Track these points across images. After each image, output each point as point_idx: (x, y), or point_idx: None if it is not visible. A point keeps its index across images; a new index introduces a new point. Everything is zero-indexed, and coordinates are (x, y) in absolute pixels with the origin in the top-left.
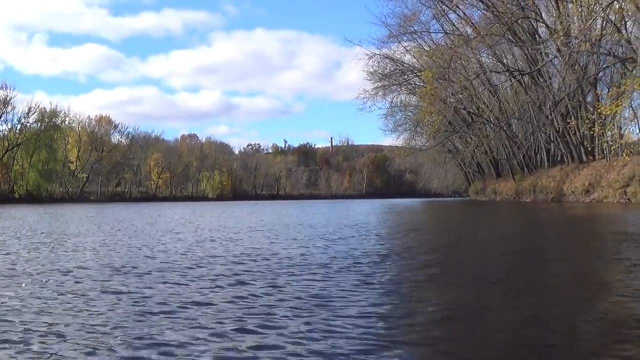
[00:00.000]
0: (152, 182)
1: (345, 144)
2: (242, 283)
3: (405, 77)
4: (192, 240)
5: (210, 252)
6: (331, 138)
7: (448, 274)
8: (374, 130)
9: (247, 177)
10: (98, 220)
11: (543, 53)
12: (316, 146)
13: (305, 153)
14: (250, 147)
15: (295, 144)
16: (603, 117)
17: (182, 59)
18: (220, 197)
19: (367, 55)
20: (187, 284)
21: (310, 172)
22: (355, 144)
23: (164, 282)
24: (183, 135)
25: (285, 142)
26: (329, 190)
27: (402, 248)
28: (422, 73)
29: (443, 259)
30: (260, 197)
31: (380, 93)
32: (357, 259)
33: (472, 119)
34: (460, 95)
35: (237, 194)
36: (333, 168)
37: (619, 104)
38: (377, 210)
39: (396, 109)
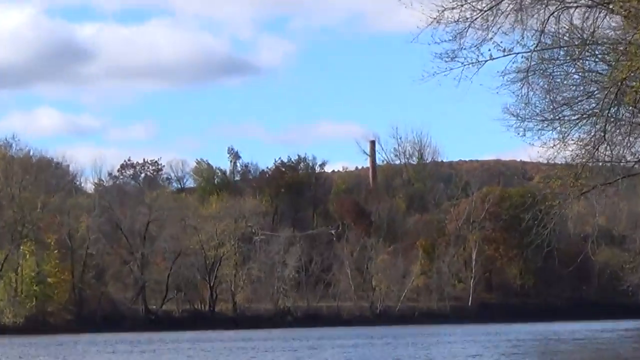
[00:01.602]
0: None
1: (409, 158)
2: None
3: None
4: None
5: None
6: (371, 144)
7: None
8: (484, 120)
9: (118, 264)
10: None
11: None
12: (326, 168)
13: (295, 188)
14: (132, 172)
15: (266, 164)
16: None
17: None
18: (36, 326)
19: None
20: None
21: (309, 246)
22: (437, 160)
23: None
24: None
25: (236, 156)
26: (366, 299)
27: None
28: None
29: None
30: (158, 324)
31: (500, 11)
32: None
33: None
34: None
35: (90, 316)
36: (376, 232)
37: None
38: None
39: (556, 56)
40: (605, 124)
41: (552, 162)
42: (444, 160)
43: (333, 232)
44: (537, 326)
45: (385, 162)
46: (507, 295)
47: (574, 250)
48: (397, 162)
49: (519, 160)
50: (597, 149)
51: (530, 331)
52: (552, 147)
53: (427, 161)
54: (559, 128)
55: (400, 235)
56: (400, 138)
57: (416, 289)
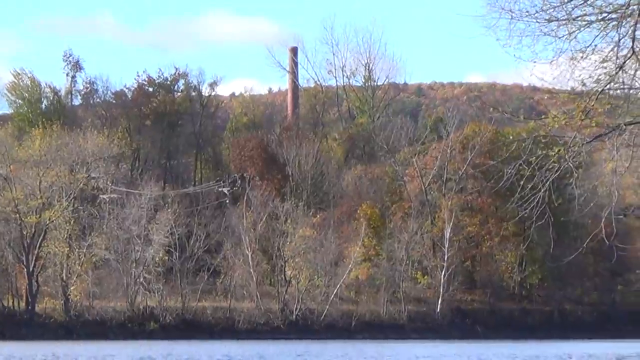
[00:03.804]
0: None
1: (351, 77)
2: None
3: None
4: None
5: None
6: (291, 53)
7: None
8: (467, 20)
9: None
10: None
11: None
12: (219, 90)
13: (169, 120)
14: None
15: (122, 80)
16: None
17: None
18: None
19: None
20: None
21: (188, 212)
22: (396, 81)
23: None
24: None
25: (76, 66)
26: (275, 297)
27: None
28: None
29: None
30: None
31: None
32: None
33: None
34: None
35: None
36: (294, 192)
37: None
38: None
39: None
40: (635, 27)
41: (561, 88)
42: (407, 83)
43: (226, 190)
44: (544, 347)
45: (312, 82)
46: (499, 298)
47: (609, 230)
48: (332, 82)
49: (525, 85)
50: (622, 69)
51: (535, 355)
52: (550, 63)
53: (379, 83)
54: (566, 34)
55: (333, 199)
56: (337, 45)
57: (355, 283)
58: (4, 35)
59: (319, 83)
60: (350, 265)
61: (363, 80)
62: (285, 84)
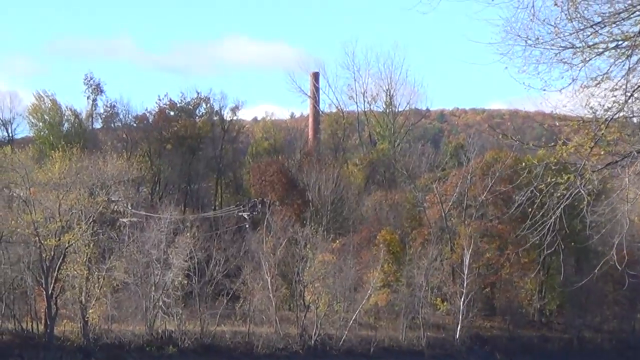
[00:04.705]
0: None
1: (372, 103)
2: None
3: None
4: None
5: None
6: (312, 78)
7: None
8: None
9: None
10: None
11: None
12: (241, 114)
13: (189, 144)
14: None
15: (144, 104)
16: None
17: None
18: None
19: None
20: None
21: (207, 236)
22: (417, 107)
23: None
24: None
25: (97, 89)
26: (295, 322)
27: None
28: None
29: None
30: None
31: None
32: None
33: None
34: None
35: None
36: (314, 217)
37: None
38: None
39: None
40: None
41: (576, 115)
42: (430, 109)
43: (246, 215)
44: None
45: (333, 107)
46: (519, 325)
47: (622, 257)
48: (353, 108)
49: (547, 112)
50: (632, 95)
51: None
52: (560, 92)
53: (401, 109)
54: (581, 62)
55: (352, 224)
56: (359, 70)
57: (374, 309)
58: (24, 57)
59: (340, 108)
60: (369, 291)
61: (384, 106)
62: (306, 109)
